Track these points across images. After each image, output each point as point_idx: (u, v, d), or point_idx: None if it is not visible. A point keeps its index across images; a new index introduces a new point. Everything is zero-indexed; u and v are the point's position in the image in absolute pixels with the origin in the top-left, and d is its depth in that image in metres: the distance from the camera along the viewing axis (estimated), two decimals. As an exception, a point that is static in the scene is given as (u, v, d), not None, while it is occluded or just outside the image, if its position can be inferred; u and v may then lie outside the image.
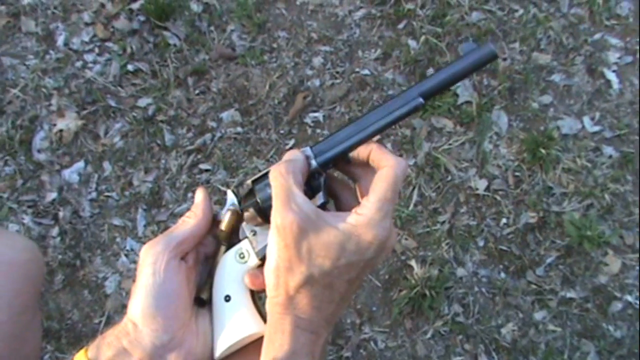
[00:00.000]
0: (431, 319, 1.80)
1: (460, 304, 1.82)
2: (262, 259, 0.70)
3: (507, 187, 1.95)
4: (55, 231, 1.90)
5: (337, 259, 0.63)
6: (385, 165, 0.67)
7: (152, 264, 0.67)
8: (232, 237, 0.73)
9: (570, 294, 1.83)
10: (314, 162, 0.70)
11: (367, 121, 0.70)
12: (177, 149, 2.00)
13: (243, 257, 0.71)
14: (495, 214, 1.92)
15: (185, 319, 0.69)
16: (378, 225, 0.64)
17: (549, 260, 1.86)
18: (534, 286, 1.84)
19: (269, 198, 0.66)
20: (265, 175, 0.69)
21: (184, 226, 0.71)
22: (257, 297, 0.73)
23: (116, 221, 1.92)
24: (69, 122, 2.01)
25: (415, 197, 1.94)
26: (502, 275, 1.85)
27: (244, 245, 0.72)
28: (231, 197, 0.74)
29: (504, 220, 1.91)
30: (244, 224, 0.72)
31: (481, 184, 1.95)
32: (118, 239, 1.89)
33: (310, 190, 0.70)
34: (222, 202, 0.76)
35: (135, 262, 1.83)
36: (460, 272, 1.85)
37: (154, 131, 2.02)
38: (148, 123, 2.03)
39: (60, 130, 2.00)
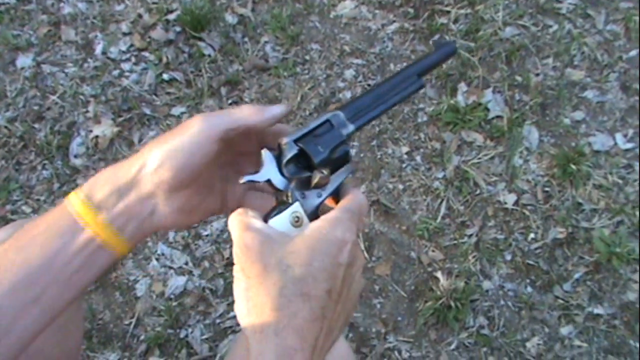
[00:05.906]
0: (456, 331, 1.91)
1: (485, 317, 1.93)
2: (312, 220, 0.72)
3: (536, 202, 2.07)
4: (89, 234, 2.06)
5: (309, 264, 0.63)
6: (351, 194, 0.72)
7: (193, 127, 0.70)
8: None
9: (598, 310, 1.93)
10: (351, 126, 0.76)
11: (383, 92, 0.80)
12: (209, 157, 2.15)
13: (297, 221, 0.70)
14: (523, 228, 2.04)
15: (194, 191, 0.73)
16: (344, 224, 0.66)
17: (576, 276, 1.96)
18: (560, 301, 1.94)
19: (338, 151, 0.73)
20: (314, 130, 0.73)
21: (239, 113, 0.73)
22: None
23: (148, 226, 2.07)
24: (105, 129, 2.19)
25: (443, 210, 2.07)
26: (529, 289, 1.96)
27: (297, 209, 0.71)
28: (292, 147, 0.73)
29: (532, 235, 2.03)
30: (292, 185, 0.72)
31: (510, 199, 2.07)
32: (150, 243, 2.05)
33: (333, 165, 0.73)
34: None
35: (165, 266, 2.00)
36: (486, 285, 1.97)
37: (187, 139, 2.18)
38: (181, 131, 2.19)
39: (97, 137, 2.18)
